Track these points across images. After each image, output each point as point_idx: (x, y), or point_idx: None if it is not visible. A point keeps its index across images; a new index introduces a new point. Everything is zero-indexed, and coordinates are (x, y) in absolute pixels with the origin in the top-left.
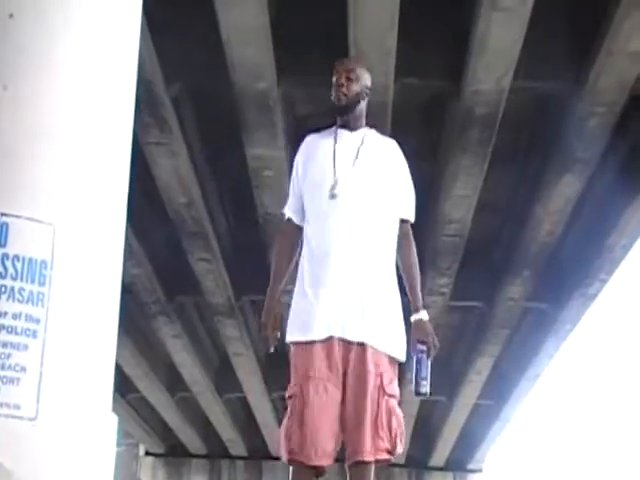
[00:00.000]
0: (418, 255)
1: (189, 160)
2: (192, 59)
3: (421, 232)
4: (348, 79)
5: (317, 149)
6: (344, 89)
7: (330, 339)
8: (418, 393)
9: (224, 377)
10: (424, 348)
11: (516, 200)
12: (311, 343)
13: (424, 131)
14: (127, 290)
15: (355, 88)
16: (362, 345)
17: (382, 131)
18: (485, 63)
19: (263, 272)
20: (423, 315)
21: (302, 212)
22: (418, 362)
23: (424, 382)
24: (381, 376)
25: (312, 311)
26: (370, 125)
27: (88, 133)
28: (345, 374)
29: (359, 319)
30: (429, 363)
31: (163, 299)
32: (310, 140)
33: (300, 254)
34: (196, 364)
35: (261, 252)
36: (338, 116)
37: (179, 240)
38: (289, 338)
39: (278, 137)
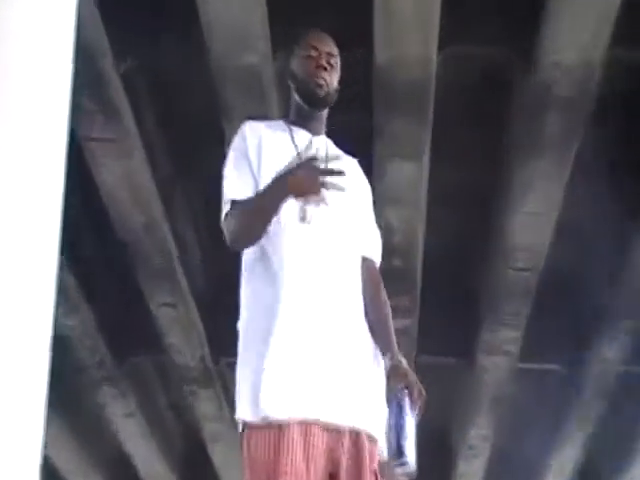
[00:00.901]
0: (470, 296)
1: (148, 164)
2: (151, 22)
3: (474, 265)
4: (329, 64)
5: (274, 144)
6: (326, 75)
7: (307, 423)
8: (401, 464)
9: (197, 472)
10: (405, 395)
11: (612, 220)
12: (279, 426)
13: (478, 122)
14: (59, 348)
15: (335, 81)
16: (357, 434)
17: (421, 123)
18: (569, 22)
19: None
20: (401, 359)
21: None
22: (398, 416)
23: (408, 447)
24: (376, 476)
25: (279, 377)
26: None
27: (5, 125)
28: (332, 476)
29: (351, 394)
30: (414, 419)
31: (110, 360)
32: (257, 128)
33: (249, 278)
34: (157, 454)
35: None
36: (306, 106)
37: (134, 276)
38: (242, 416)
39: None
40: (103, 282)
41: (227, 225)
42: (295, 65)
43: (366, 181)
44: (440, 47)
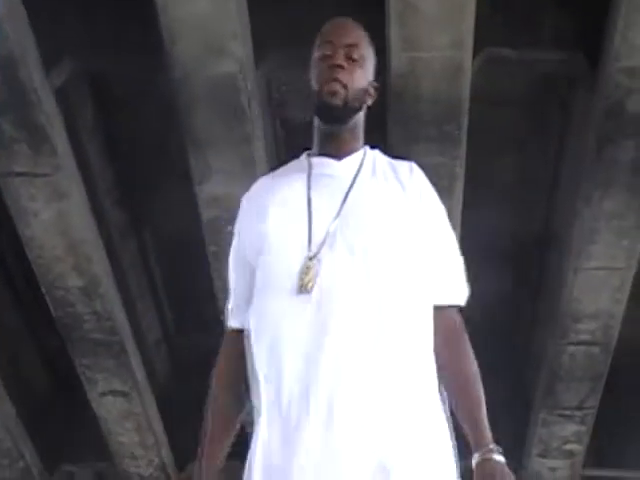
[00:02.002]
0: (518, 378)
1: (89, 206)
2: (95, 22)
3: (523, 338)
4: (350, 59)
5: (277, 201)
6: (343, 75)
7: None
8: None
9: None
10: None
11: None
12: None
13: (526, 147)
14: None
15: (360, 79)
16: None
17: (451, 149)
18: None
19: None
20: (494, 454)
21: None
22: None
23: None
24: None
25: None
26: (371, 145)
27: None
28: None
29: None
30: None
31: (38, 469)
32: (263, 186)
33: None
34: None
35: None
36: (322, 124)
37: (68, 356)
38: None
39: (255, 163)
40: (28, 367)
41: (219, 358)
42: (310, 72)
43: (432, 194)
44: (476, 51)
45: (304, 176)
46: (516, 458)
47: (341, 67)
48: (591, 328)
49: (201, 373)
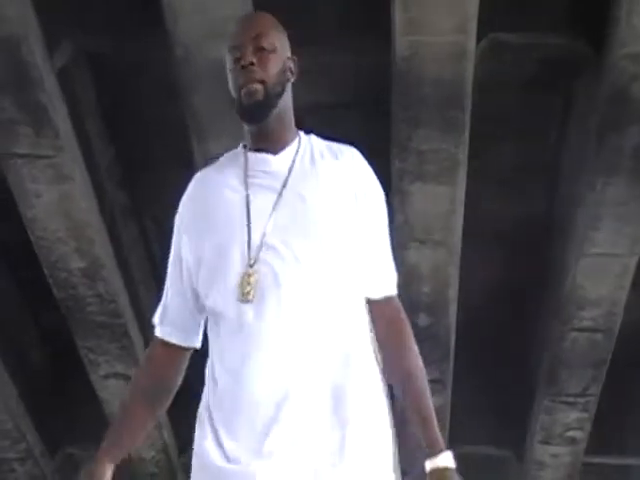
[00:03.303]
0: (520, 366)
1: (91, 190)
2: (98, 2)
3: (526, 325)
4: (260, 50)
5: (214, 199)
6: (256, 72)
7: None
8: None
9: None
10: None
11: None
12: None
13: (530, 133)
14: None
15: (275, 64)
16: None
17: (454, 135)
18: None
19: None
20: (447, 459)
21: (191, 322)
22: None
23: None
24: None
25: None
26: (306, 130)
27: None
28: None
29: None
30: None
31: (39, 451)
32: (201, 181)
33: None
34: None
35: None
36: (247, 124)
37: (71, 338)
38: None
39: None
40: (31, 345)
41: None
42: (228, 82)
43: (370, 179)
44: (480, 36)
45: (241, 173)
46: (518, 444)
47: (252, 64)
48: (594, 315)
49: (202, 357)
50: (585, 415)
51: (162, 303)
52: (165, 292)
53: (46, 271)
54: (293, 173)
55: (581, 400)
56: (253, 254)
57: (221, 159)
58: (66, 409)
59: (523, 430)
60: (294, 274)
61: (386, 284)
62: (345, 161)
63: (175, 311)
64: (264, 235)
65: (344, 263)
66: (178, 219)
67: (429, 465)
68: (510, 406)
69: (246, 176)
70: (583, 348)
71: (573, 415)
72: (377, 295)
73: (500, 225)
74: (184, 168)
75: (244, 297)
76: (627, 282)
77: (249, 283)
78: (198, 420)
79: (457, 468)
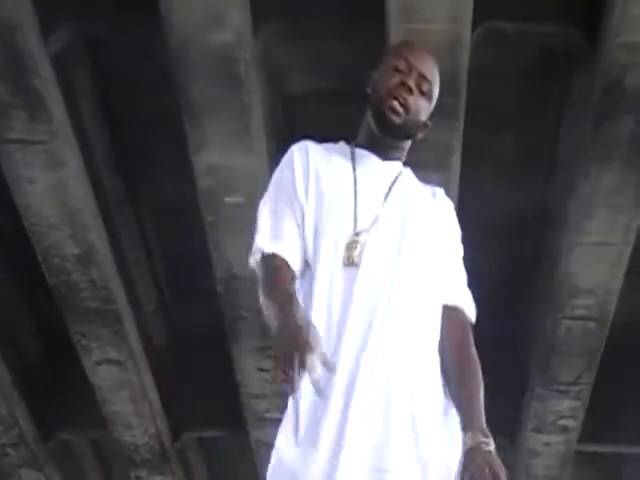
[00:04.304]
0: (513, 354)
1: (86, 175)
2: None
3: (518, 313)
4: (419, 89)
5: (330, 167)
6: (410, 100)
7: None
8: None
9: None
10: None
11: None
12: None
13: (524, 122)
14: None
15: (422, 112)
16: None
17: (449, 124)
18: None
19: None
20: (482, 438)
21: (303, 254)
22: None
23: None
24: None
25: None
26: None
27: None
28: None
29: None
30: None
31: (32, 437)
32: (315, 147)
33: None
34: None
35: (218, 344)
36: (378, 132)
37: (63, 324)
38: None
39: (252, 133)
40: (24, 330)
41: (259, 275)
42: (378, 73)
43: (454, 217)
44: (475, 24)
45: (348, 159)
46: (511, 433)
47: (411, 90)
48: (587, 303)
49: (196, 343)
50: (578, 403)
51: (271, 230)
52: (271, 220)
53: (40, 257)
54: (399, 179)
55: (574, 388)
56: (360, 227)
57: (323, 144)
58: (59, 395)
59: (516, 418)
60: (395, 259)
61: (463, 297)
62: (440, 200)
63: (290, 238)
64: (376, 217)
65: (434, 267)
66: (287, 165)
67: (471, 442)
68: (502, 394)
69: (354, 162)
70: (576, 337)
71: (566, 403)
72: (452, 302)
73: (494, 213)
74: (179, 155)
75: (351, 261)
76: (621, 271)
77: (355, 249)
78: None
79: None
